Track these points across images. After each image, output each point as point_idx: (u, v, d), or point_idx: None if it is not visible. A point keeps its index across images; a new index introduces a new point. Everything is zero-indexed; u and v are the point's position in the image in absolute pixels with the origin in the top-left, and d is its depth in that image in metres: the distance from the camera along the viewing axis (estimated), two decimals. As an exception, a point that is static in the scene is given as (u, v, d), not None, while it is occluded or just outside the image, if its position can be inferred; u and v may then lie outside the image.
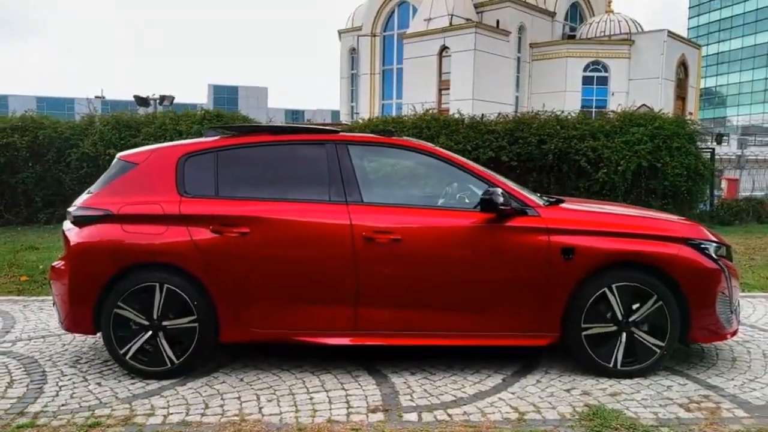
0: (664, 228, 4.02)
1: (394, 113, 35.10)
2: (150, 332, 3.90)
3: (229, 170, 4.08)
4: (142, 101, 16.12)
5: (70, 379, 3.95)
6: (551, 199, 4.43)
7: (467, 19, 39.13)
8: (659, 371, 4.01)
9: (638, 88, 39.61)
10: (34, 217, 14.49)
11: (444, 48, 39.71)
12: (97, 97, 66.90)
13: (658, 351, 3.91)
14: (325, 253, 3.89)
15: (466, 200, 4.14)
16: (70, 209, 4.12)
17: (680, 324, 3.91)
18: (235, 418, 3.37)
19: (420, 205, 4.01)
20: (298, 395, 3.68)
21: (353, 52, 46.79)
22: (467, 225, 3.89)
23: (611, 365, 3.91)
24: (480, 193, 3.96)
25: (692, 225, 4.19)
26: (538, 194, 4.84)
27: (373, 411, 3.45)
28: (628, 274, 3.89)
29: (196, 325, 3.89)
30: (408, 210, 3.97)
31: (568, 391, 3.73)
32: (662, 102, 33.88)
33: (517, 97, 41.78)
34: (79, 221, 4.03)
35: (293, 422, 3.32)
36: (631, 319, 3.90)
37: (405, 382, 3.87)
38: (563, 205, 4.28)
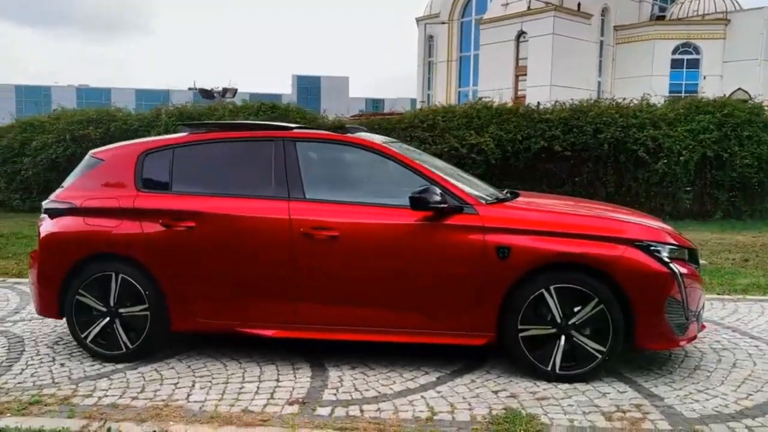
0: (609, 228, 3.85)
1: (470, 99, 34.82)
2: (108, 318, 4.18)
3: (182, 166, 4.27)
4: (206, 94, 16.85)
5: (40, 359, 4.30)
6: (502, 196, 4.37)
7: (546, 3, 37.92)
8: (605, 376, 3.87)
9: (733, 71, 37.15)
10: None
11: (521, 33, 38.77)
12: (190, 89, 70.13)
13: (599, 356, 3.77)
14: (265, 249, 4.01)
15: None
16: (44, 202, 4.46)
17: (625, 329, 3.75)
18: (161, 402, 3.57)
19: (361, 203, 4.03)
20: (231, 384, 3.83)
21: (430, 39, 46.54)
22: (404, 223, 3.89)
23: (549, 369, 3.81)
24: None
25: (647, 227, 3.97)
26: (500, 190, 4.78)
27: (291, 403, 3.54)
28: (567, 276, 3.77)
29: (148, 313, 4.12)
30: (348, 207, 4.01)
31: (496, 393, 3.68)
32: (761, 86, 31.57)
33: (599, 83, 40.20)
34: (49, 213, 4.36)
35: (211, 410, 3.47)
36: (570, 322, 3.78)
37: (340, 376, 3.94)
38: (513, 201, 4.19)
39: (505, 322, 3.83)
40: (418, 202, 3.75)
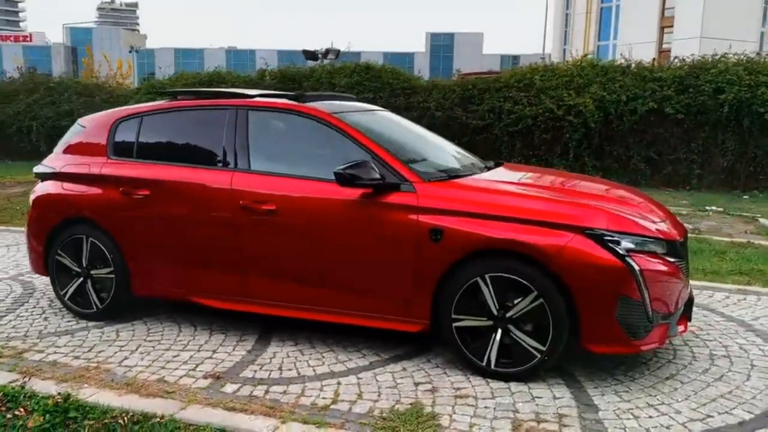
0: (557, 214, 3.36)
1: (610, 55, 32.32)
2: (81, 279, 4.41)
3: (147, 135, 4.35)
4: (310, 55, 17.08)
5: (32, 312, 4.65)
6: (481, 166, 4.17)
7: (701, -58, 33.87)
8: (552, 377, 3.47)
9: None
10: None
11: (670, -21, 35.07)
12: (304, 51, 71.85)
13: (538, 356, 3.37)
14: (210, 221, 3.99)
15: None
16: (36, 166, 4.76)
17: (571, 328, 3.32)
18: (95, 364, 3.72)
19: (303, 176, 3.86)
20: (170, 351, 3.91)
21: (569, -10, 43.56)
22: (340, 199, 3.68)
23: (484, 364, 3.47)
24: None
25: (608, 213, 3.41)
26: (486, 162, 4.42)
27: (207, 377, 3.54)
28: (503, 264, 3.39)
29: (113, 276, 4.30)
30: (289, 181, 3.86)
31: (418, 385, 3.43)
32: None
33: (762, 33, 35.53)
34: (38, 177, 4.65)
35: (132, 375, 3.56)
36: (507, 315, 3.40)
37: (275, 353, 3.88)
38: (467, 178, 3.80)
39: (440, 311, 3.54)
40: (341, 177, 3.52)
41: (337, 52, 17.54)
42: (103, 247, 4.29)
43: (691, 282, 5.24)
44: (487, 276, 3.39)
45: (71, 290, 4.45)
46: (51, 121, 17.66)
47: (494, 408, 3.17)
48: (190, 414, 3.11)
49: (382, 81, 14.62)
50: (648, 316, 3.28)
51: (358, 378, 3.52)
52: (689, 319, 3.71)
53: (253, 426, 3.00)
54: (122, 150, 4.38)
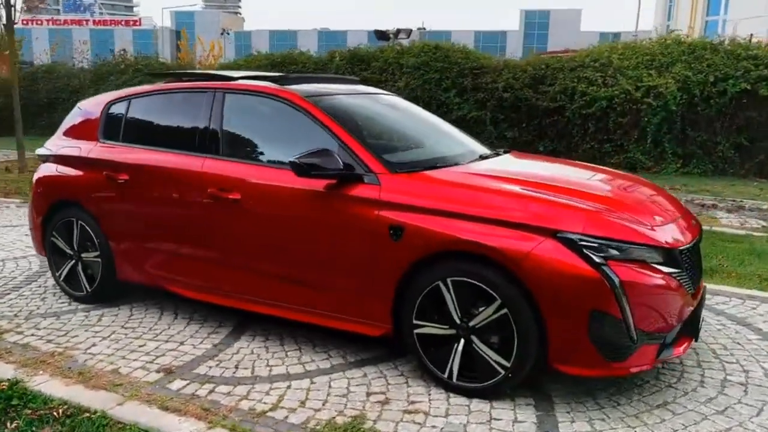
0: (526, 213, 2.93)
1: (720, 31, 29.82)
2: (73, 261, 4.43)
3: (133, 118, 4.26)
4: (381, 35, 16.77)
5: (35, 291, 4.74)
6: (477, 156, 3.86)
7: None
8: (525, 395, 3.08)
9: None
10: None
11: (791, -54, 31.76)
12: (419, 29, 71.00)
13: (502, 372, 2.99)
14: (183, 207, 3.85)
15: None
16: (39, 148, 4.81)
17: (538, 343, 2.92)
18: (61, 349, 3.69)
19: (271, 164, 3.63)
20: (139, 341, 3.82)
21: (677, -39, 40.50)
22: (304, 190, 3.41)
23: (446, 376, 3.13)
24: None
25: (589, 214, 2.95)
26: (495, 150, 4.07)
27: (159, 371, 3.42)
28: (466, 268, 3.01)
29: (99, 260, 4.28)
30: (257, 168, 3.63)
31: (370, 395, 3.14)
32: None
33: None
34: (40, 158, 4.70)
35: (90, 364, 3.49)
36: (470, 325, 3.04)
37: (240, 348, 3.70)
38: (443, 170, 3.41)
39: (402, 315, 3.22)
40: (296, 168, 3.25)
41: (409, 32, 17.13)
42: (90, 231, 4.27)
43: (736, 291, 4.64)
44: (449, 280, 3.03)
45: (65, 272, 4.48)
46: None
47: (442, 428, 2.83)
48: (122, 411, 2.98)
49: (449, 61, 14.12)
50: (630, 335, 2.82)
51: (312, 382, 3.28)
52: (695, 338, 3.19)
53: (179, 429, 2.84)
54: (111, 133, 4.33)
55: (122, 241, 4.15)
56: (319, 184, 3.35)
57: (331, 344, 3.71)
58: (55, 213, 4.45)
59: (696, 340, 3.23)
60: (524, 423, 2.87)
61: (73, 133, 4.54)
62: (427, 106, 14.08)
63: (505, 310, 2.92)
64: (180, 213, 3.86)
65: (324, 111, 3.54)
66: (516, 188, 3.15)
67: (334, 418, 2.93)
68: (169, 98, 4.21)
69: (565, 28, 59.72)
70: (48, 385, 3.25)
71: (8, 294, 4.67)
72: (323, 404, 3.06)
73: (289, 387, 3.23)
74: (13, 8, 11.20)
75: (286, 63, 16.52)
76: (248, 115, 3.88)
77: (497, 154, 4.04)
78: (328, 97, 3.85)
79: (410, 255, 3.11)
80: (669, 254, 2.95)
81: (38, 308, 4.38)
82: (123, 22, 67.23)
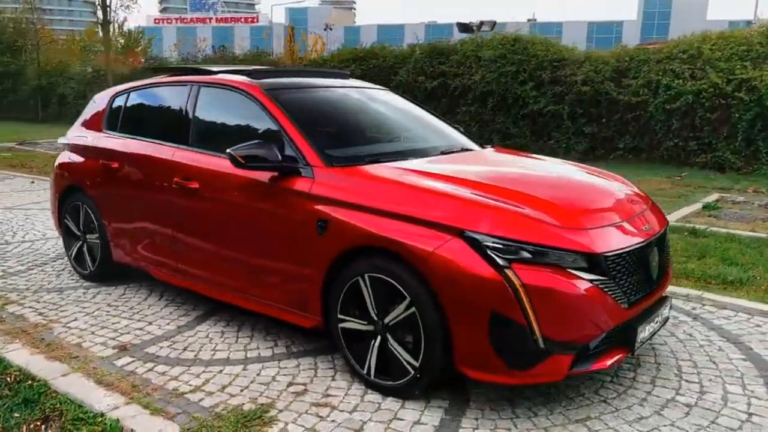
0: (439, 212, 2.83)
1: None
2: (80, 241, 4.79)
3: (129, 109, 4.54)
4: (464, 27, 16.50)
5: (54, 269, 5.16)
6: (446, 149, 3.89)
7: None
8: (439, 397, 2.99)
9: None
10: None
11: None
12: (529, 20, 68.90)
13: (411, 372, 2.92)
14: (156, 194, 4.06)
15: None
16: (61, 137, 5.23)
17: (444, 345, 2.82)
18: (45, 321, 4.02)
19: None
20: (114, 318, 4.07)
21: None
22: (250, 181, 3.49)
23: (365, 372, 3.11)
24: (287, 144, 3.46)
25: (499, 213, 2.81)
26: (481, 144, 4.06)
27: (115, 348, 3.63)
28: (380, 264, 2.96)
29: (99, 242, 4.60)
30: (214, 159, 3.72)
31: (291, 385, 3.17)
32: None
33: None
34: (62, 147, 5.11)
35: (62, 337, 3.77)
36: (385, 322, 3.00)
37: (198, 331, 3.85)
38: (380, 165, 3.35)
39: (329, 308, 3.23)
40: (232, 159, 3.33)
41: (493, 24, 16.76)
42: (92, 214, 4.60)
43: (751, 306, 4.21)
44: (366, 276, 3.00)
45: (74, 252, 4.86)
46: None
47: (339, 423, 2.82)
48: (62, 382, 3.20)
49: (528, 53, 13.70)
50: (536, 343, 2.66)
51: (244, 369, 3.36)
52: (631, 352, 2.94)
53: (100, 402, 3.01)
54: (112, 124, 4.64)
55: (114, 225, 4.45)
56: (264, 176, 3.42)
57: (284, 334, 3.78)
58: (67, 197, 4.83)
59: (632, 354, 2.98)
60: (425, 425, 2.79)
61: (86, 123, 4.90)
62: (501, 100, 13.82)
63: (413, 309, 2.85)
64: (154, 200, 4.08)
65: (278, 104, 3.60)
66: (442, 186, 3.05)
67: (243, 404, 2.99)
68: (157, 91, 4.45)
69: (689, 16, 55.43)
70: (16, 353, 3.55)
71: (32, 269, 5.13)
72: (241, 391, 3.13)
73: (220, 371, 3.33)
74: (108, 8, 12.20)
75: (368, 57, 16.72)
76: (215, 107, 4.02)
77: (467, 150, 3.93)
78: (291, 90, 3.90)
79: (333, 249, 3.11)
80: (592, 260, 2.75)
81: (49, 284, 4.78)
82: (242, 19, 70.62)
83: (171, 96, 4.27)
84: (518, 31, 15.10)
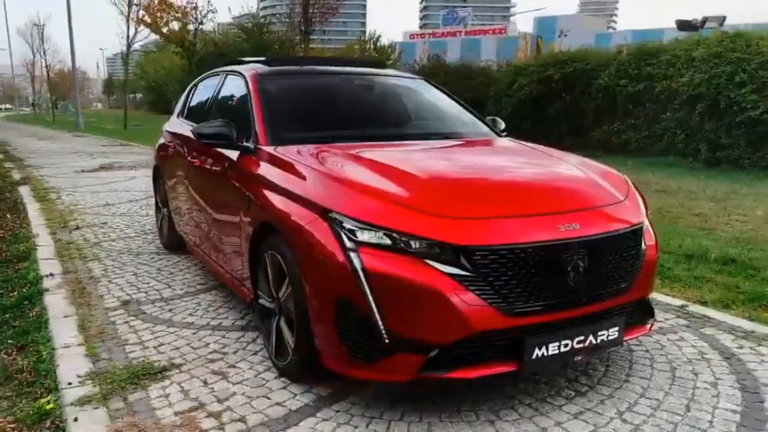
0: (314, 191, 2.75)
1: None
2: (162, 214, 5.48)
3: (189, 99, 5.09)
4: (683, 25, 14.61)
5: (155, 236, 5.94)
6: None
7: None
8: (328, 384, 2.87)
9: None
10: (560, 144, 15.95)
11: None
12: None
13: (290, 354, 2.85)
14: (180, 169, 4.63)
15: None
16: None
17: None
18: (103, 275, 4.68)
19: None
20: (145, 280, 4.58)
21: None
22: (222, 157, 3.70)
23: (271, 350, 3.11)
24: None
25: (356, 194, 2.65)
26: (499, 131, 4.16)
27: (120, 300, 4.11)
28: (275, 242, 2.94)
29: (167, 214, 5.21)
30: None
31: (211, 353, 3.30)
32: None
33: None
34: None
35: (95, 291, 4.36)
36: (280, 301, 2.97)
37: (194, 299, 4.17)
38: (320, 145, 3.27)
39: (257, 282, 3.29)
40: (194, 134, 3.56)
41: (722, 20, 14.64)
42: (165, 190, 5.23)
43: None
44: (268, 253, 3.01)
45: (158, 222, 5.56)
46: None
47: (214, 391, 2.87)
48: (59, 322, 3.69)
49: (751, 51, 11.82)
50: (379, 336, 2.43)
51: (194, 334, 3.55)
52: (520, 366, 2.50)
53: (66, 340, 3.44)
54: (181, 111, 5.24)
55: (171, 198, 5.01)
56: (234, 154, 3.59)
57: (242, 306, 3.94)
58: (156, 174, 5.55)
59: (520, 369, 2.52)
60: (281, 407, 2.71)
61: (179, 113, 5.56)
62: (712, 106, 12.04)
63: (291, 288, 2.79)
64: (179, 174, 4.58)
65: (258, 88, 3.74)
66: (339, 167, 2.94)
67: (156, 361, 3.18)
68: (206, 82, 4.90)
69: None
70: (53, 297, 4.21)
71: (137, 237, 5.97)
72: (170, 350, 3.34)
73: (173, 333, 3.58)
74: (310, 21, 13.43)
75: (570, 61, 15.88)
76: (229, 92, 4.28)
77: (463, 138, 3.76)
78: (285, 76, 4.05)
79: (251, 225, 3.17)
80: (455, 252, 2.41)
81: (134, 248, 5.53)
82: (490, 31, 71.43)
83: (210, 85, 4.68)
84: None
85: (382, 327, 2.42)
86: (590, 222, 2.67)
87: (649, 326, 2.95)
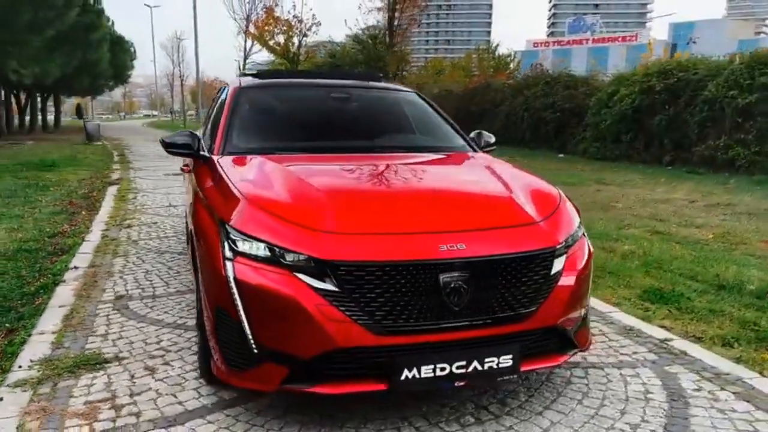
0: (216, 200, 2.88)
1: None
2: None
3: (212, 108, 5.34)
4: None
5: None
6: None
7: None
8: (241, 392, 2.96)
9: None
10: (661, 158, 15.00)
11: None
12: None
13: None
14: None
15: None
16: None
17: None
18: (121, 270, 5.07)
19: None
20: (154, 277, 4.91)
21: None
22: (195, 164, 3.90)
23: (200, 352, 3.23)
24: None
25: (256, 207, 2.68)
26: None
27: (115, 294, 4.43)
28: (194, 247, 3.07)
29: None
30: None
31: (158, 350, 3.49)
32: None
33: None
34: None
35: (105, 285, 4.76)
36: (201, 304, 3.10)
37: (190, 299, 4.40)
38: (266, 156, 3.36)
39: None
40: (162, 144, 3.76)
41: None
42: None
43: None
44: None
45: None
46: (538, 113, 19.50)
47: (134, 383, 3.04)
48: (55, 310, 4.09)
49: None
50: (247, 344, 2.47)
51: (156, 330, 3.78)
52: (389, 390, 2.43)
53: (48, 328, 3.79)
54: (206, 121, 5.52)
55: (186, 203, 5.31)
56: (198, 163, 3.78)
57: None
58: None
59: (389, 390, 2.45)
60: (179, 406, 2.83)
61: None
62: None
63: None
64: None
65: (233, 100, 3.93)
66: (254, 178, 3.04)
67: (103, 353, 3.41)
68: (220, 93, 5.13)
69: None
70: (63, 288, 4.63)
71: (173, 237, 6.39)
72: (125, 344, 3.56)
73: (141, 329, 3.81)
74: (395, 31, 13.62)
75: (676, 70, 14.87)
76: (219, 103, 4.46)
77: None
78: (264, 89, 4.19)
79: (188, 231, 3.33)
80: (321, 266, 2.40)
81: (163, 248, 5.91)
82: (619, 39, 68.29)
83: (218, 96, 4.91)
84: None
85: (250, 337, 2.46)
86: (481, 243, 2.55)
87: (564, 358, 2.75)
